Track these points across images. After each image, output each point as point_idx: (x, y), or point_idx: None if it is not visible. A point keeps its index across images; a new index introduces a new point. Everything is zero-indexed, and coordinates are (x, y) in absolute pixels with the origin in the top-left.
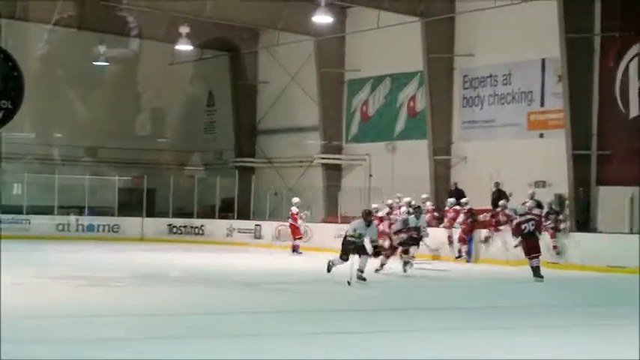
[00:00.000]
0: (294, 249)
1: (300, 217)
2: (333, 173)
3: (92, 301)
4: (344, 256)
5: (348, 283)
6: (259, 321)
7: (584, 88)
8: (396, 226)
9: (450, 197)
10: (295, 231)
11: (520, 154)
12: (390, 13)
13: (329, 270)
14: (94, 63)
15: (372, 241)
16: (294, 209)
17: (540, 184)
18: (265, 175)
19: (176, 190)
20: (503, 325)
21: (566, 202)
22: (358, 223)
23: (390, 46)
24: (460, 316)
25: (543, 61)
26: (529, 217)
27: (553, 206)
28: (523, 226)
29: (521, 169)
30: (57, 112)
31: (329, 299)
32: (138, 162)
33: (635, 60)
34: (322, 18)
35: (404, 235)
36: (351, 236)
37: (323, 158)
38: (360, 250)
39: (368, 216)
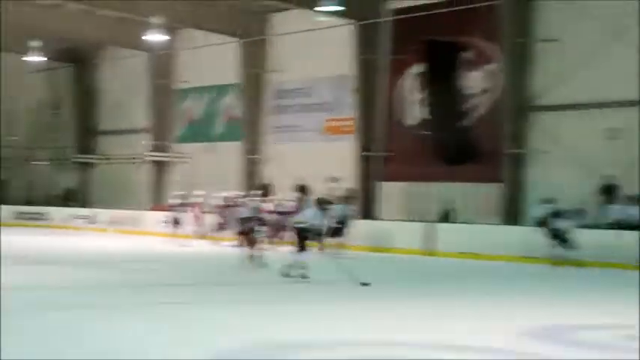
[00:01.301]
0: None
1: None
2: (162, 169)
3: None
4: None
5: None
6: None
7: (371, 101)
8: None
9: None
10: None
11: (319, 154)
12: (213, 33)
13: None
14: None
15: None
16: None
17: (334, 179)
18: (103, 170)
19: (25, 181)
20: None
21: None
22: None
23: (213, 60)
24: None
25: (341, 77)
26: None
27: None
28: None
29: (319, 167)
30: None
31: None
32: None
33: (410, 78)
34: (154, 36)
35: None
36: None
37: (152, 156)
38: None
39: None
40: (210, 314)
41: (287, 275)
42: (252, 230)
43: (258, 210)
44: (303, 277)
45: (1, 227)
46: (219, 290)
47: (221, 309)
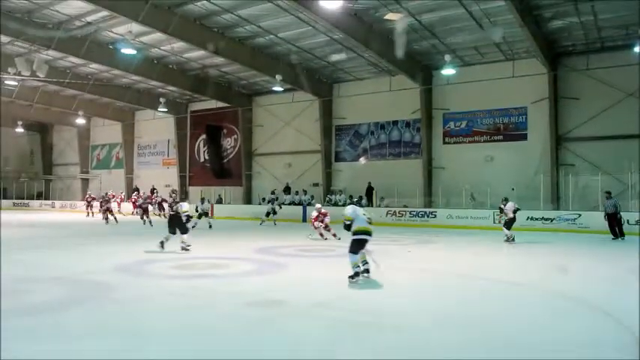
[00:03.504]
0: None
1: None
2: None
3: None
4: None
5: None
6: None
7: (183, 150)
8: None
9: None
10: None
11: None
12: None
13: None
14: None
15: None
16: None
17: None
18: None
19: None
20: None
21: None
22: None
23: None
24: None
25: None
26: None
27: None
28: None
29: (163, 181)
30: None
31: None
32: None
33: (201, 140)
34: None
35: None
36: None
37: None
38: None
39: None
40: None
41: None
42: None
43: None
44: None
45: None
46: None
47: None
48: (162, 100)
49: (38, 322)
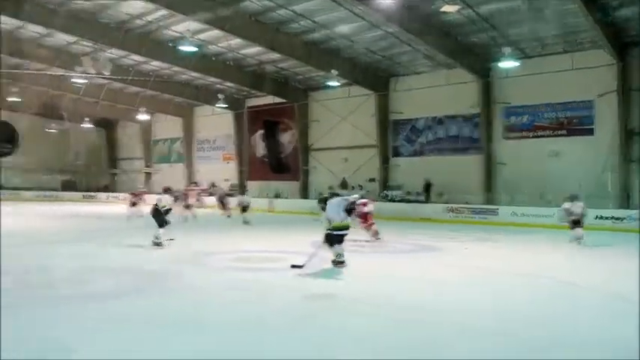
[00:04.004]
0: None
1: None
2: None
3: None
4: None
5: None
6: None
7: (241, 145)
8: None
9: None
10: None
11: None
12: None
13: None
14: None
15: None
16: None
17: (227, 180)
18: None
19: None
20: None
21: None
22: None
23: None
24: None
25: (228, 136)
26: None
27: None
28: None
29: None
30: None
31: None
32: None
33: (258, 135)
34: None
35: None
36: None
37: None
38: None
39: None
40: None
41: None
42: None
43: None
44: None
45: None
46: None
47: None
48: (220, 96)
49: (101, 310)
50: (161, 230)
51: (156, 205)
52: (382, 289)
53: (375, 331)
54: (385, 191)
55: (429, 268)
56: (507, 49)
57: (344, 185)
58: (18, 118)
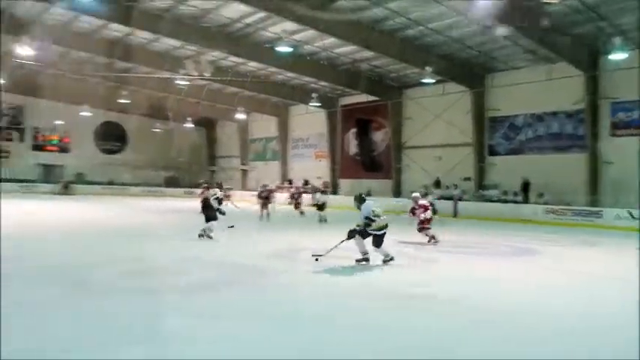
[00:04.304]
0: None
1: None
2: None
3: None
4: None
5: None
6: None
7: (334, 143)
8: None
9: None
10: None
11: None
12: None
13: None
14: None
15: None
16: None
17: (319, 178)
18: None
19: None
20: None
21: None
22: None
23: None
24: None
25: (321, 134)
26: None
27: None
28: None
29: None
30: None
31: None
32: None
33: (351, 134)
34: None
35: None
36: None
37: None
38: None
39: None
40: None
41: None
42: None
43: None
44: None
45: None
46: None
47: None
48: (314, 95)
49: (195, 300)
50: (213, 223)
51: (206, 198)
52: (480, 292)
53: (474, 335)
54: (481, 190)
55: (528, 272)
56: (617, 40)
57: (437, 184)
58: (127, 118)
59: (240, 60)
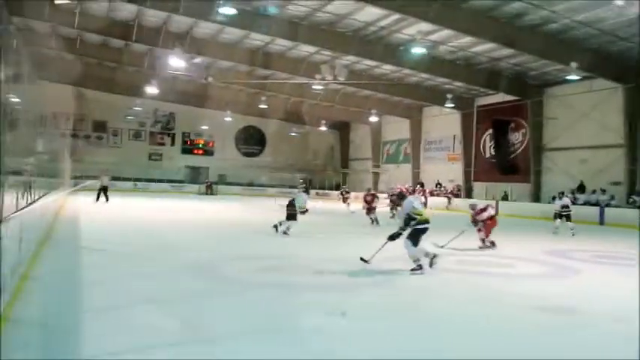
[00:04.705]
0: None
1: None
2: None
3: None
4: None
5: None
6: None
7: (468, 145)
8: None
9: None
10: None
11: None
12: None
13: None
14: None
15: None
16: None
17: (452, 181)
18: None
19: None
20: None
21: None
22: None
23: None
24: None
25: (455, 135)
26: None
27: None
28: None
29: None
30: None
31: None
32: None
33: (487, 136)
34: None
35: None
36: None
37: None
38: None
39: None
40: None
41: None
42: None
43: None
44: None
45: None
46: None
47: None
48: (449, 96)
49: (325, 297)
50: (292, 222)
51: (293, 199)
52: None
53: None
54: (633, 196)
55: None
56: None
57: (581, 189)
58: (266, 123)
59: (373, 63)
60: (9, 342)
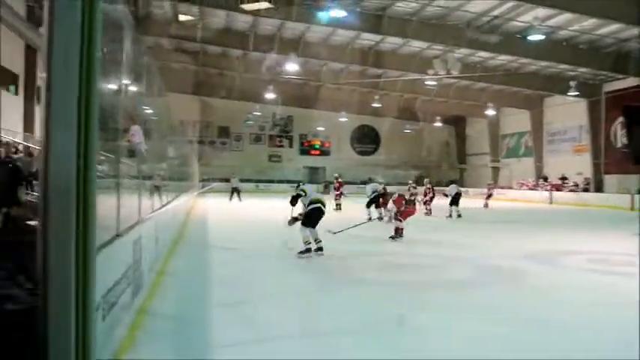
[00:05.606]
0: None
1: None
2: None
3: None
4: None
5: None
6: None
7: (597, 136)
8: None
9: None
10: None
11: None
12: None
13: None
14: None
15: None
16: None
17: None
18: None
19: None
20: None
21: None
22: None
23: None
24: None
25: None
26: None
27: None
28: None
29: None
30: None
31: None
32: None
33: (617, 124)
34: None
35: None
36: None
37: None
38: None
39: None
40: None
41: None
42: None
43: None
44: None
45: None
46: None
47: None
48: (572, 83)
49: (451, 296)
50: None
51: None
52: None
53: None
54: None
55: None
56: None
57: None
58: (379, 121)
59: (488, 55)
60: (147, 332)
